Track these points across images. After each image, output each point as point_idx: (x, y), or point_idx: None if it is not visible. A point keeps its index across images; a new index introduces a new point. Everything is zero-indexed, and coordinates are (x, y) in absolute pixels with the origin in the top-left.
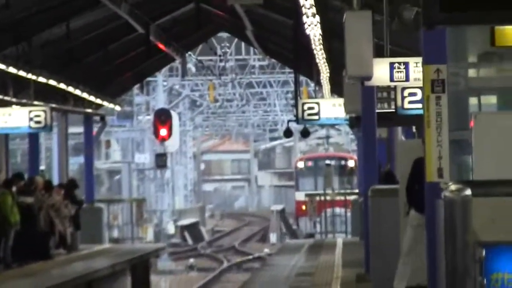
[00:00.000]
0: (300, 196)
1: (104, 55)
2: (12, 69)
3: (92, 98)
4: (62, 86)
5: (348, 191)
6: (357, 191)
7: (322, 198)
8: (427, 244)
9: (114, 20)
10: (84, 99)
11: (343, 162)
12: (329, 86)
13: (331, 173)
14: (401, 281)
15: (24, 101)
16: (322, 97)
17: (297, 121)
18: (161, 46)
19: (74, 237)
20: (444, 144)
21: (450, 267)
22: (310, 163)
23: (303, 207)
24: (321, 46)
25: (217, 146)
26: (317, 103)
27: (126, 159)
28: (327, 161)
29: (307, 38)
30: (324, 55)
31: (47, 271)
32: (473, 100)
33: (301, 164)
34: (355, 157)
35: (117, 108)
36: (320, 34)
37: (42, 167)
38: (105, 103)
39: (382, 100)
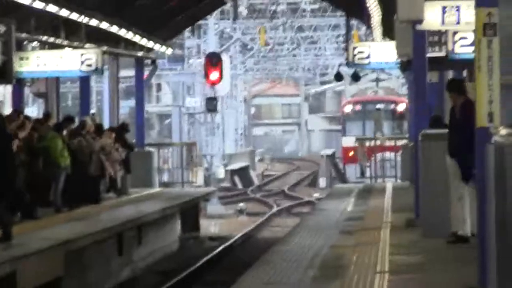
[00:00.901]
0: (347, 141)
1: None
2: (64, 11)
3: (143, 41)
4: (114, 29)
5: (399, 136)
6: (407, 135)
7: (372, 143)
8: (477, 188)
9: None
10: (135, 42)
11: (392, 106)
12: (380, 30)
13: (380, 117)
14: (459, 226)
15: (75, 44)
16: (373, 40)
17: (347, 64)
18: None
19: (124, 181)
20: (495, 88)
21: (500, 212)
22: (358, 107)
23: (350, 154)
24: None
25: (267, 90)
26: (368, 47)
27: (176, 103)
28: (377, 105)
29: None
30: None
31: (97, 215)
32: None
33: (348, 108)
34: (406, 100)
35: (168, 51)
36: None
37: (93, 111)
38: (156, 46)
39: (433, 44)
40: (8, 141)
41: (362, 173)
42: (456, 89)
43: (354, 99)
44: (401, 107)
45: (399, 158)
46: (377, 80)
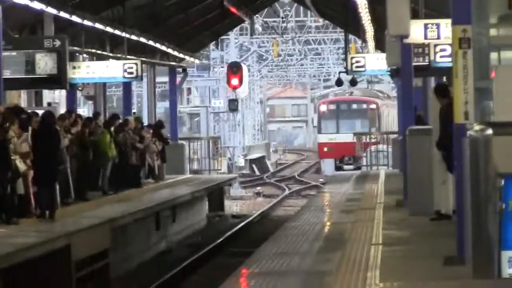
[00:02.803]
0: (322, 138)
1: (186, 17)
2: (108, 29)
3: (175, 53)
4: (151, 42)
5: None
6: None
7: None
8: (455, 175)
9: None
10: (169, 53)
11: (364, 106)
12: (373, 43)
13: (354, 116)
14: (442, 205)
15: (119, 55)
16: (368, 52)
17: (346, 72)
18: (233, 9)
19: (161, 169)
20: (469, 92)
21: (474, 194)
22: (332, 107)
23: (325, 149)
24: (367, 10)
25: (279, 93)
26: (364, 57)
27: (204, 104)
28: (354, 105)
29: (355, 3)
30: (369, 17)
31: (139, 197)
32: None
33: (323, 108)
34: (378, 101)
35: (196, 61)
36: (366, 0)
37: (134, 111)
38: (187, 57)
39: (418, 55)
40: (55, 136)
41: (354, 165)
42: (440, 92)
43: (328, 99)
44: (372, 106)
45: (390, 150)
46: (353, 81)
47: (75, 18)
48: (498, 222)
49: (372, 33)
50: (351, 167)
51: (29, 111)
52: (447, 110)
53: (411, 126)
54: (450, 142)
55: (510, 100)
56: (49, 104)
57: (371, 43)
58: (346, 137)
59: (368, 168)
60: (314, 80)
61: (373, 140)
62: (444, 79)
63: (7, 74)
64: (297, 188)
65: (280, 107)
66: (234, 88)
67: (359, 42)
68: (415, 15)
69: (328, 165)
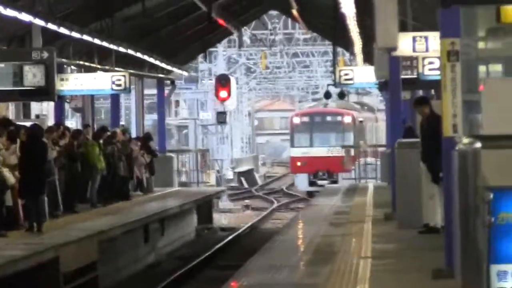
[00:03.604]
0: (295, 152)
1: (174, 29)
2: (97, 41)
3: (164, 65)
4: (139, 54)
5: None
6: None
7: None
8: (444, 188)
9: (182, 0)
10: (157, 66)
11: (339, 118)
12: (362, 56)
13: (328, 128)
14: (430, 218)
15: (107, 67)
16: (356, 65)
17: (335, 85)
18: (221, 22)
19: (149, 181)
20: (458, 104)
21: (463, 207)
22: (305, 119)
23: (298, 164)
24: (355, 22)
25: (268, 106)
26: (352, 70)
27: (192, 116)
28: (328, 117)
29: (343, 15)
30: (358, 30)
31: (127, 210)
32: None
33: (296, 120)
34: (353, 113)
35: (185, 73)
36: (354, 12)
37: (122, 123)
38: (175, 69)
39: (406, 68)
40: (43, 149)
41: (328, 180)
42: (421, 102)
43: (301, 111)
44: (347, 119)
45: (379, 163)
46: (327, 94)
47: (63, 30)
48: (487, 235)
49: (361, 46)
50: (326, 182)
51: (17, 124)
52: (428, 122)
53: (400, 139)
54: (433, 154)
55: (499, 113)
56: (37, 116)
57: (359, 55)
58: (320, 151)
59: (357, 181)
60: (302, 92)
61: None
62: (432, 92)
63: None
64: (285, 201)
65: (269, 120)
66: (223, 100)
67: (348, 54)
68: (403, 27)
69: (301, 180)
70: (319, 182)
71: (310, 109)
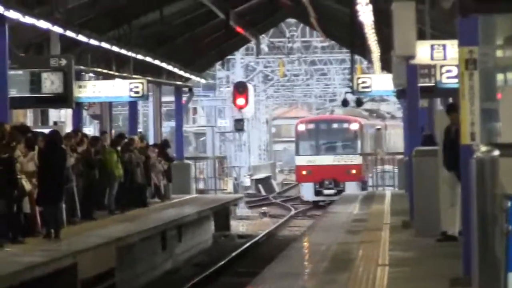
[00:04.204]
0: (301, 160)
1: (192, 37)
2: (115, 48)
3: (181, 72)
4: (157, 62)
5: (351, 155)
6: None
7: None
8: (462, 196)
9: (200, 8)
10: (175, 73)
11: (345, 125)
12: (379, 64)
13: (335, 136)
14: (449, 227)
15: (125, 74)
16: (374, 73)
17: (352, 92)
18: (239, 29)
19: (167, 188)
20: (476, 113)
21: (481, 215)
22: (311, 126)
23: (304, 172)
24: (373, 30)
25: (285, 113)
26: (370, 78)
27: (210, 124)
28: (334, 124)
29: (361, 24)
30: (376, 38)
31: (145, 217)
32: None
33: (301, 127)
34: (361, 120)
35: (203, 81)
36: (372, 21)
37: (140, 130)
38: (193, 77)
39: (424, 76)
40: (61, 155)
41: (334, 189)
42: (454, 111)
43: (307, 118)
44: (354, 127)
45: (396, 170)
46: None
47: (81, 38)
48: (504, 243)
49: (378, 54)
50: (332, 191)
51: (34, 130)
52: (458, 129)
53: (417, 146)
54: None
55: None
56: (55, 123)
57: (377, 63)
58: (326, 160)
59: (374, 188)
60: (319, 100)
61: (356, 163)
62: (450, 100)
63: (13, 93)
64: (303, 208)
65: (286, 127)
66: (240, 108)
67: (365, 62)
68: (421, 36)
69: (306, 190)
70: (325, 191)
71: (316, 116)
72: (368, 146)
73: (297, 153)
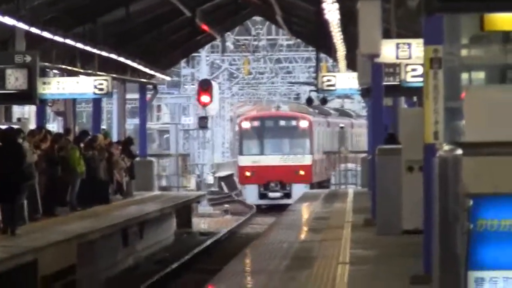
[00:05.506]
0: (243, 161)
1: (157, 34)
2: (79, 45)
3: (146, 69)
4: (121, 59)
5: (299, 155)
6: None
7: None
8: (424, 194)
9: (166, 5)
10: (139, 70)
11: (294, 123)
12: (345, 62)
13: (282, 134)
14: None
15: (89, 71)
16: (339, 71)
17: (317, 91)
18: (205, 27)
19: (129, 185)
20: (439, 112)
21: (442, 214)
22: (256, 123)
23: (247, 173)
24: (339, 29)
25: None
26: (334, 76)
27: (174, 121)
28: (281, 122)
29: (327, 22)
30: (341, 36)
31: (106, 213)
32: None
33: (245, 125)
34: (311, 117)
35: (167, 78)
36: (338, 19)
37: (103, 127)
38: (157, 74)
39: (389, 74)
40: (19, 152)
41: (281, 192)
42: None
43: (251, 115)
44: (303, 124)
45: (359, 169)
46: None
47: (46, 34)
48: (465, 242)
49: (344, 52)
50: (278, 194)
51: None
52: None
53: (381, 145)
54: None
55: (480, 121)
56: (18, 119)
57: (342, 62)
58: (272, 160)
59: (337, 187)
60: (284, 98)
61: (306, 163)
62: (415, 99)
63: None
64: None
65: None
66: (204, 105)
67: (331, 61)
68: (386, 34)
69: (250, 192)
70: (271, 194)
71: (261, 112)
72: (317, 145)
73: (241, 152)
